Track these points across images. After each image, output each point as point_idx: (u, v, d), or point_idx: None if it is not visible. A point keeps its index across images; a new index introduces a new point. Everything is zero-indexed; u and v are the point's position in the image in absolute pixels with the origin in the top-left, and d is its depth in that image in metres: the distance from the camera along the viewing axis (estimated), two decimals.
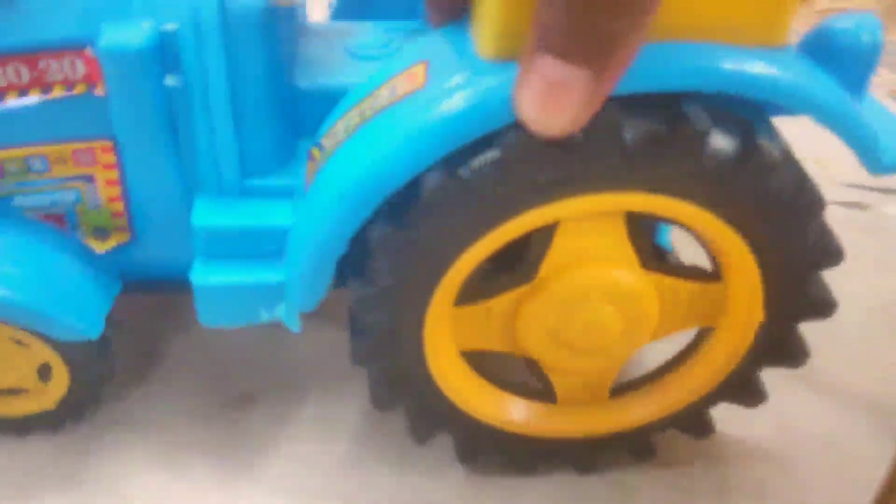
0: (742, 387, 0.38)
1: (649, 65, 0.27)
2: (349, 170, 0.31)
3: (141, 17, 0.33)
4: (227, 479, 0.40)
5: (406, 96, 0.30)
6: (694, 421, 0.39)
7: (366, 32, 0.42)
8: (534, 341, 0.36)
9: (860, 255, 0.54)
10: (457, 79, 0.28)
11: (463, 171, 0.29)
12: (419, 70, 0.30)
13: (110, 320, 0.40)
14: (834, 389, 0.46)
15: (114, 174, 0.36)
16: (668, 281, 0.35)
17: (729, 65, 0.27)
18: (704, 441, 0.41)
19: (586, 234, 0.33)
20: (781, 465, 0.41)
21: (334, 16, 0.48)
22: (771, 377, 0.38)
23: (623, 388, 0.39)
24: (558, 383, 0.38)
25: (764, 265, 0.33)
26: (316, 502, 0.39)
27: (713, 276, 0.36)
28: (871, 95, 0.35)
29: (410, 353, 0.35)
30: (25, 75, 0.34)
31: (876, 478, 0.35)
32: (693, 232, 0.34)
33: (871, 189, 0.55)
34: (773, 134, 0.31)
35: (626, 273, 0.34)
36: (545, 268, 0.34)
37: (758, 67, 0.28)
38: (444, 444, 0.40)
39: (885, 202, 0.55)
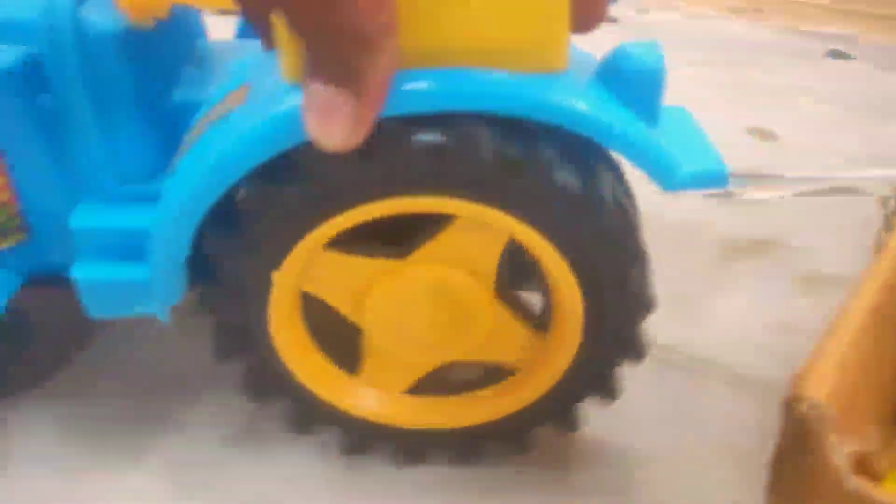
0: (558, 412, 0.41)
1: (421, 88, 0.30)
2: (181, 181, 0.34)
3: (4, 41, 0.37)
4: (109, 464, 0.44)
5: (228, 113, 0.33)
6: (515, 435, 0.42)
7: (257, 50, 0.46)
8: (371, 312, 0.38)
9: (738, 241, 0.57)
10: (264, 100, 0.32)
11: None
12: (243, 91, 0.34)
13: (18, 313, 0.44)
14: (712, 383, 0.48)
15: (4, 179, 0.40)
16: (508, 315, 0.39)
17: (496, 88, 0.30)
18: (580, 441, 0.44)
19: (470, 239, 0.36)
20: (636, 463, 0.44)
21: (239, 34, 0.51)
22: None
23: (460, 388, 0.42)
24: (368, 362, 0.41)
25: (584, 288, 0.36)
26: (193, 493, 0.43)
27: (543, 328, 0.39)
28: (683, 112, 0.37)
29: (256, 308, 0.38)
30: None
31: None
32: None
33: (739, 176, 0.58)
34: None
35: (476, 290, 0.37)
36: (420, 254, 0.37)
37: (525, 91, 0.30)
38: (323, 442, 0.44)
39: (752, 189, 0.57)
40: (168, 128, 0.42)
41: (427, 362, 0.41)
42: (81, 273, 0.40)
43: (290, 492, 0.43)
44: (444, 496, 0.42)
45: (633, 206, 0.36)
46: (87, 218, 0.40)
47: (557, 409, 0.41)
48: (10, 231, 0.42)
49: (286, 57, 0.31)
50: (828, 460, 0.29)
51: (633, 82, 0.32)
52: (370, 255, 0.37)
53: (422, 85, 0.30)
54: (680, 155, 0.33)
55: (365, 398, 0.42)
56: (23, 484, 0.43)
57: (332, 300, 0.39)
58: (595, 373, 0.39)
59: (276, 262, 0.36)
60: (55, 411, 0.47)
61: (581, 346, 0.38)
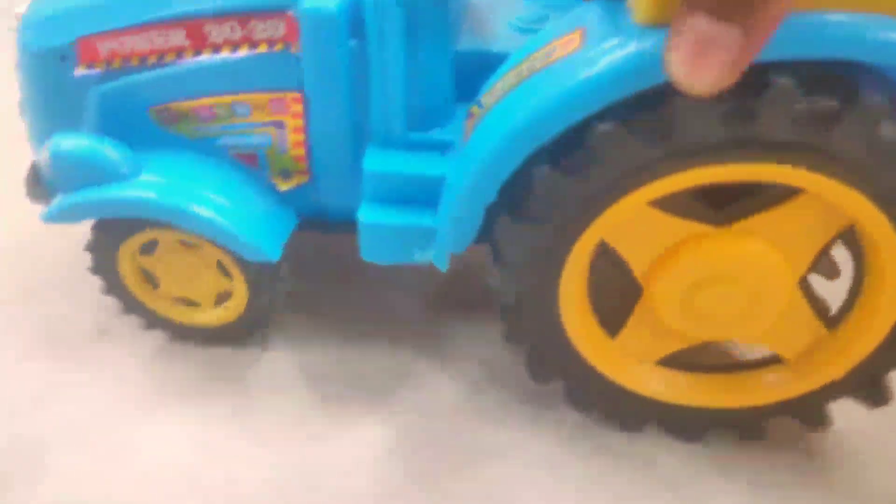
0: (867, 384, 0.38)
1: (806, 31, 0.28)
2: (503, 123, 0.34)
3: None
4: (359, 402, 0.45)
5: (563, 58, 0.33)
6: (809, 411, 0.40)
7: (527, 7, 0.45)
8: (667, 275, 0.37)
9: None
10: (612, 42, 0.31)
11: (630, 124, 0.32)
12: (576, 35, 0.33)
13: (284, 252, 0.46)
14: None
15: (300, 122, 0.42)
16: (805, 305, 0.37)
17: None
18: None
19: (805, 219, 0.35)
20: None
21: None
22: None
23: (745, 367, 0.41)
24: (631, 325, 0.40)
25: None
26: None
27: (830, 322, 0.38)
28: None
29: (546, 290, 0.38)
30: (238, 33, 0.40)
31: None
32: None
33: None
34: None
35: (784, 274, 0.36)
36: (745, 224, 0.35)
37: None
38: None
39: None
40: (452, 76, 0.42)
41: (697, 336, 0.40)
42: (367, 215, 0.40)
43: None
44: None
45: None
46: (378, 162, 0.40)
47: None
48: (294, 173, 0.44)
49: None
50: None
51: None
52: (689, 216, 0.36)
53: (821, 27, 0.28)
54: None
55: (649, 377, 0.41)
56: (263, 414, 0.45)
57: (631, 256, 0.38)
58: None
59: (599, 209, 0.35)
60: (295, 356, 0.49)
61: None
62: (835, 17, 0.28)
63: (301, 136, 0.43)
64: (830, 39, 0.29)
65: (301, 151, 0.43)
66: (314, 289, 0.53)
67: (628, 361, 0.41)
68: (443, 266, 0.40)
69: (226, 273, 0.46)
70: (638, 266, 0.38)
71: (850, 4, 0.28)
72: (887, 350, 0.37)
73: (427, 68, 0.40)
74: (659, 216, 0.36)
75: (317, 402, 0.45)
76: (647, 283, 0.38)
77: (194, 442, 0.43)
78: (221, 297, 0.47)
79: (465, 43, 0.43)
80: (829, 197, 0.33)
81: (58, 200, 0.43)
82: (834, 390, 0.39)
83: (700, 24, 0.27)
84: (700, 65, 0.27)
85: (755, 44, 0.27)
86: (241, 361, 0.48)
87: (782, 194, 0.35)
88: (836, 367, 0.38)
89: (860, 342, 0.37)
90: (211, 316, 0.47)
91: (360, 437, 0.43)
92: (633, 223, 0.36)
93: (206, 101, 0.42)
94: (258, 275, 0.45)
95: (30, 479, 0.41)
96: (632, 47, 0.30)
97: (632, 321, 0.40)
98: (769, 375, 0.40)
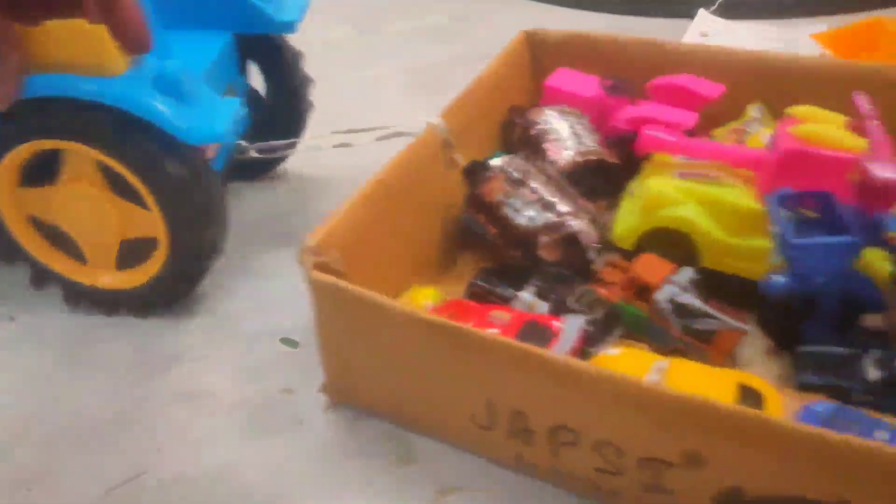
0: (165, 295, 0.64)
1: (36, 83, 0.52)
2: None
3: None
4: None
5: None
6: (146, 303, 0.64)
7: None
8: (58, 218, 0.60)
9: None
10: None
11: None
12: None
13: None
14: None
15: None
16: (124, 204, 0.60)
17: (74, 82, 0.52)
18: None
19: (79, 162, 0.58)
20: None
21: None
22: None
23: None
24: (83, 249, 0.63)
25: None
26: None
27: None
28: (234, 102, 0.59)
29: None
30: None
31: None
32: None
33: (355, 131, 0.75)
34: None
35: (94, 189, 0.59)
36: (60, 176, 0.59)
37: (87, 84, 0.52)
38: None
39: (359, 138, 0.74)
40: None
41: (109, 241, 0.61)
42: None
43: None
44: None
45: (210, 181, 0.58)
46: None
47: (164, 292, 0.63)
48: None
49: None
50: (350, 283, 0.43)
51: (166, 80, 0.54)
52: (42, 184, 0.60)
53: (37, 82, 0.52)
54: (198, 123, 0.54)
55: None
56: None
57: (40, 216, 0.62)
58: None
59: None
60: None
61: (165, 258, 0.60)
62: (57, 76, 0.52)
63: None
64: (50, 86, 0.52)
65: None
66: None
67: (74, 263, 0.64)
68: None
69: None
70: (45, 218, 0.61)
71: (64, 69, 0.51)
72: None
73: None
74: (25, 190, 0.60)
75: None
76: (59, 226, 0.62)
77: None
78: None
79: None
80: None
81: None
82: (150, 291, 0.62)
83: None
84: None
85: (8, 89, 0.45)
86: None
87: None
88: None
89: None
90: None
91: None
92: (27, 198, 0.61)
93: None
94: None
95: None
96: None
97: (81, 246, 0.63)
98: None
